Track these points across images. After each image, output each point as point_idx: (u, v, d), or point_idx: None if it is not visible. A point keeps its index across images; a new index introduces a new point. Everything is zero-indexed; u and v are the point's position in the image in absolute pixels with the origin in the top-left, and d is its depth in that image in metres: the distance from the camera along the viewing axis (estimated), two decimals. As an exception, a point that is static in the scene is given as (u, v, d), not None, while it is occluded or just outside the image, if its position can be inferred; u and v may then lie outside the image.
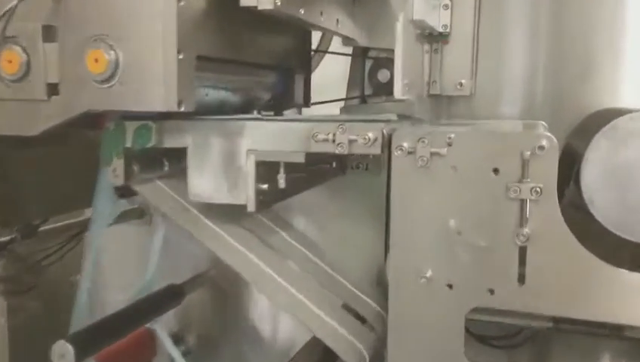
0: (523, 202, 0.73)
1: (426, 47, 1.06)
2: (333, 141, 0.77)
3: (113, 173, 0.86)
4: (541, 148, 0.71)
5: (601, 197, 0.77)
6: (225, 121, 0.85)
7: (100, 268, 1.15)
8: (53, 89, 0.80)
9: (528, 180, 0.72)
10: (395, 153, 0.76)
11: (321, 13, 0.99)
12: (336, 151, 0.77)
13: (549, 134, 0.72)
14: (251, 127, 0.83)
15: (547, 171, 0.72)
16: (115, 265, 1.21)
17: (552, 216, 0.73)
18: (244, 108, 1.07)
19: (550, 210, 0.73)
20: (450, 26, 1.05)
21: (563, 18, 1.04)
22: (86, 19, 0.77)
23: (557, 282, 0.74)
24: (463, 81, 1.06)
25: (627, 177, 0.77)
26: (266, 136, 0.82)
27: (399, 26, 0.89)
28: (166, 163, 0.91)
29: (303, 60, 1.15)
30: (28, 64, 0.80)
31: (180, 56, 0.76)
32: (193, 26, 0.79)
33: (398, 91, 0.91)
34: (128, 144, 0.85)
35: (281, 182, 0.84)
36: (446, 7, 1.04)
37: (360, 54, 1.29)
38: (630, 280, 0.73)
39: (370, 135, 0.77)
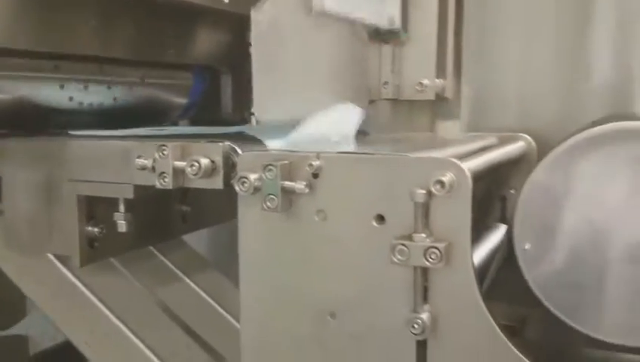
0: (416, 271, 0.45)
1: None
2: (153, 169, 0.53)
3: None
4: (441, 184, 0.43)
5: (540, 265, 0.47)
6: (43, 140, 0.62)
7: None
8: None
9: (423, 236, 0.44)
10: (238, 188, 0.50)
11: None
12: (158, 185, 0.53)
13: (457, 162, 0.44)
14: (73, 148, 0.60)
15: (454, 223, 0.44)
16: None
17: (464, 295, 0.44)
18: (147, 119, 0.83)
19: (460, 284, 0.44)
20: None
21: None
22: None
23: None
24: (424, 81, 0.75)
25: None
26: (91, 161, 0.59)
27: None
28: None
29: (231, 56, 0.86)
30: None
31: None
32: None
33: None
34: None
35: (121, 225, 0.61)
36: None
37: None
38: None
39: (203, 161, 0.51)
